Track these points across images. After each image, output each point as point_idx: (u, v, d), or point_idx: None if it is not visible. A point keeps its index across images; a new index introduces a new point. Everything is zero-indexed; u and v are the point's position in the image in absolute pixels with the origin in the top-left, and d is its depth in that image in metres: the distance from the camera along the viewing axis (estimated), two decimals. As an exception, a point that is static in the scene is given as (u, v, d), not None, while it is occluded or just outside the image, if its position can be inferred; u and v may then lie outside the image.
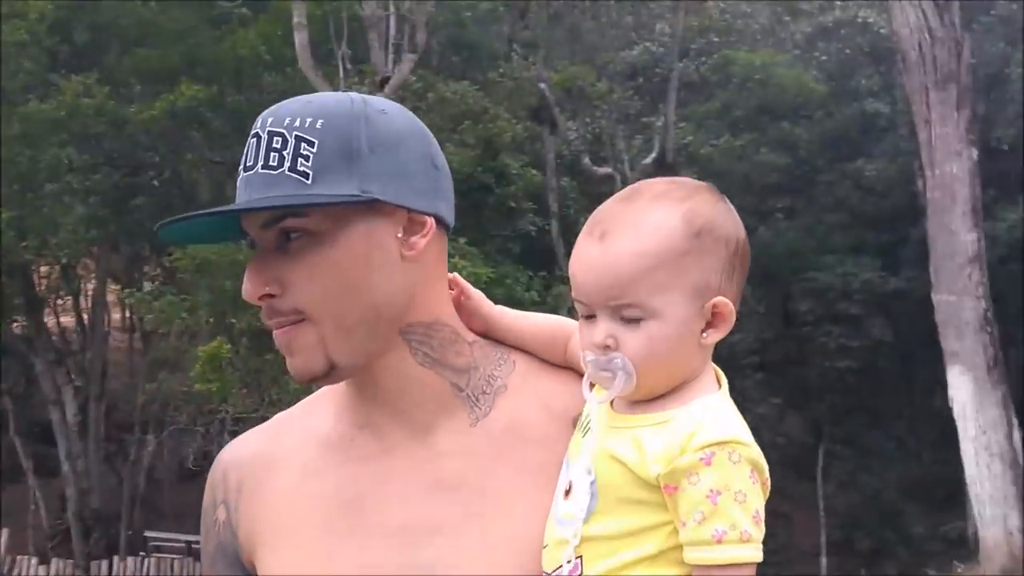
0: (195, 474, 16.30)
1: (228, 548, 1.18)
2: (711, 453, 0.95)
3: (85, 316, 19.08)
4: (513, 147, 15.58)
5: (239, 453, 1.20)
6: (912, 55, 11.45)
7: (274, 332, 1.08)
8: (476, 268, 11.75)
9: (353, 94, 1.13)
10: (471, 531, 1.07)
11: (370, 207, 1.06)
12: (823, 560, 17.38)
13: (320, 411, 1.18)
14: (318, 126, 1.06)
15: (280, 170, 1.05)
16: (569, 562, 1.00)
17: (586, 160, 18.12)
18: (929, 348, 18.97)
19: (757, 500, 0.96)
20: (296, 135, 1.05)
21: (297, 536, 1.11)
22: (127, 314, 23.08)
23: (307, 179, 1.04)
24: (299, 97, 1.12)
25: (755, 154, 19.16)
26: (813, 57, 20.51)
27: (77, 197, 14.84)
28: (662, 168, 15.82)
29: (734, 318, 1.02)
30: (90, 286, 18.85)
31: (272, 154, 1.05)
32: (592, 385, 1.05)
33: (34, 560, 14.90)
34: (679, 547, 0.97)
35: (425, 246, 1.09)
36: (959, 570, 12.28)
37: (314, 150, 1.05)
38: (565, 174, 17.88)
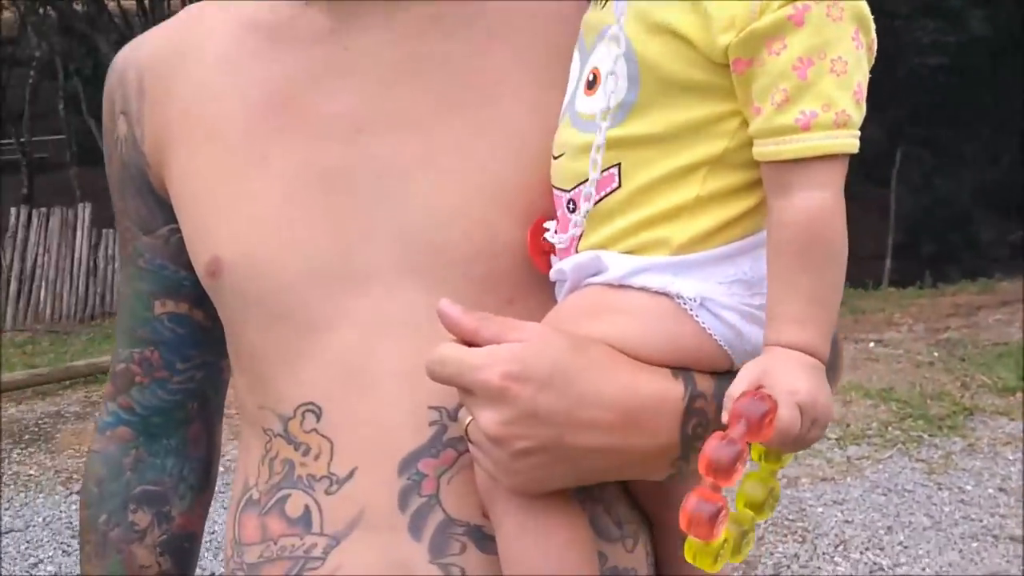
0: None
1: (134, 169, 0.94)
2: (804, 7, 0.67)
3: (145, -3, 18.59)
4: None
5: (139, 51, 0.94)
6: None
7: None
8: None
9: None
10: (446, 122, 0.82)
11: None
12: (887, 263, 17.42)
13: None
14: None
15: None
16: (602, 173, 0.73)
17: None
18: (1028, 46, 17.89)
19: (860, 71, 0.70)
20: None
21: (216, 138, 0.87)
22: (186, -5, 22.50)
23: None
24: None
25: None
26: None
27: None
28: None
29: None
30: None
31: None
32: None
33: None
34: (750, 146, 0.70)
35: None
36: (1026, 276, 12.16)
37: None
38: None
